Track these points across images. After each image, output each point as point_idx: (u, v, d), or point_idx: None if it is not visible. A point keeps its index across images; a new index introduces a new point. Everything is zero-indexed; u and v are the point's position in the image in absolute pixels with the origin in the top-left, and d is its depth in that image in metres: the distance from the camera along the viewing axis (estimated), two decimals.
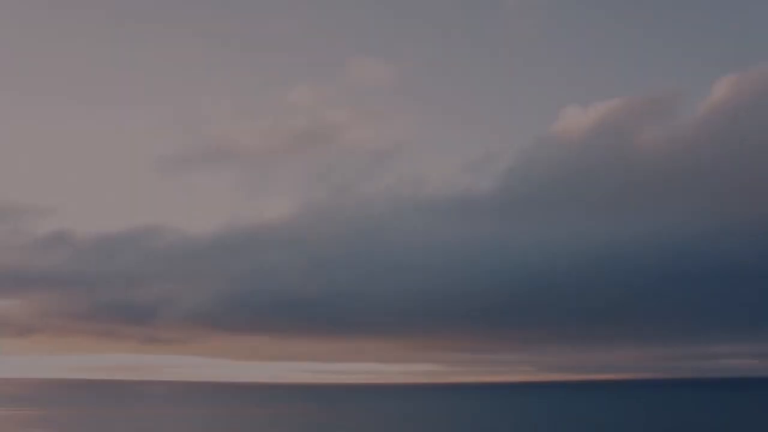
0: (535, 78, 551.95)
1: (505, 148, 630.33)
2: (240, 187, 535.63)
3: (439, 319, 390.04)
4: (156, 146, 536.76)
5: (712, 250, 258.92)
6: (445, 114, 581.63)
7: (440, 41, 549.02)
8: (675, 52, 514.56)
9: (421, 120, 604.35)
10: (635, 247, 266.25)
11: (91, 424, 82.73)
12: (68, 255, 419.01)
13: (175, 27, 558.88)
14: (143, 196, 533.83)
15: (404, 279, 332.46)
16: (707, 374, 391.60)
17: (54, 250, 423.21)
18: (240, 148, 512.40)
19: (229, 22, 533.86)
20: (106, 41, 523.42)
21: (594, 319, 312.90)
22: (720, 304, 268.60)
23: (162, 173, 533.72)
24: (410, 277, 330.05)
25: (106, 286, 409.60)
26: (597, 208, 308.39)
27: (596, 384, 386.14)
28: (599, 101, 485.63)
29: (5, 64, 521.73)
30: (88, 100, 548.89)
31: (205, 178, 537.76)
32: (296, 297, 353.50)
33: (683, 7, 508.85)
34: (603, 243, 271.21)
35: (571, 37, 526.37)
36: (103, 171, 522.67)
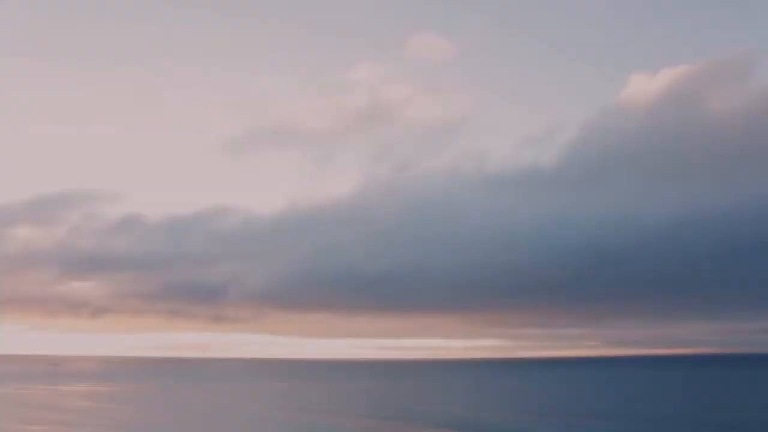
0: (601, 45, 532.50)
1: (569, 120, 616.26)
2: (304, 166, 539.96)
3: (503, 294, 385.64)
4: (222, 128, 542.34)
5: None
6: (507, 87, 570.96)
7: (501, 13, 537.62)
8: (747, 14, 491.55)
9: (482, 95, 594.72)
10: (705, 218, 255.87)
11: (162, 400, 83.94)
12: (139, 238, 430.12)
13: (240, 9, 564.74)
14: (210, 178, 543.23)
15: (468, 254, 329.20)
16: None
17: (126, 233, 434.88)
18: (304, 128, 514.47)
19: (293, 2, 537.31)
20: (170, 24, 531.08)
21: (663, 293, 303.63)
22: None
23: (228, 154, 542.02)
24: (474, 253, 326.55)
25: (175, 267, 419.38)
26: (665, 180, 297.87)
27: (665, 359, 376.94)
28: (668, 67, 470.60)
29: (74, 58, 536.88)
30: (156, 84, 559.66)
31: (270, 159, 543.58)
32: (360, 274, 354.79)
33: None
34: (671, 214, 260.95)
35: (637, 0, 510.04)
36: (171, 155, 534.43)
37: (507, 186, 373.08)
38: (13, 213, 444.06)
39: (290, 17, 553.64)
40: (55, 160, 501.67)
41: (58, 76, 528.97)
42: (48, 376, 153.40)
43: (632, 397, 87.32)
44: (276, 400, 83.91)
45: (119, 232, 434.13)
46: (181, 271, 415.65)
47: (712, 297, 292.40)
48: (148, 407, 72.30)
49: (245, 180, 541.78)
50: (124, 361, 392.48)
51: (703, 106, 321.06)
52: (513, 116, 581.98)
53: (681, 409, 67.37)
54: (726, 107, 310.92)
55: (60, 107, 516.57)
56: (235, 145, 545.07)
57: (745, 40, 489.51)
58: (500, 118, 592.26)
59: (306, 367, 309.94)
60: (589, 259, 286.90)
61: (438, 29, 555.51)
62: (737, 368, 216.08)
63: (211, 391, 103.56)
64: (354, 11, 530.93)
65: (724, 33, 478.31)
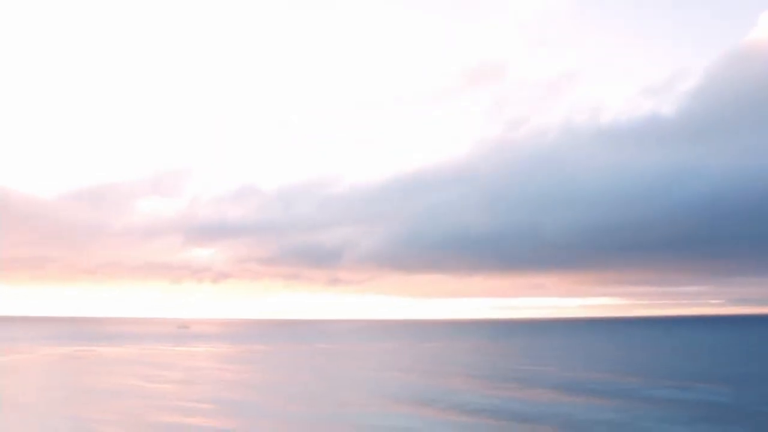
0: None
1: (691, 67, 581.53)
2: (413, 128, 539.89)
3: (619, 251, 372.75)
4: (331, 95, 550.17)
5: None
6: (623, 35, 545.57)
7: None
8: None
9: (596, 44, 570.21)
10: None
11: (280, 360, 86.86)
12: (256, 205, 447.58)
13: None
14: (321, 145, 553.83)
15: (583, 211, 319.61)
16: None
17: (243, 202, 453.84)
18: (411, 89, 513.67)
19: None
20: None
21: None
22: None
23: (338, 120, 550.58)
24: (589, 209, 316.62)
25: (291, 233, 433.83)
26: None
27: None
28: None
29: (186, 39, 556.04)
30: (264, 59, 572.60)
31: (380, 122, 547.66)
32: (472, 233, 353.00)
33: None
34: None
35: None
36: (281, 125, 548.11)
37: (623, 139, 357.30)
38: (137, 186, 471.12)
39: None
40: (175, 135, 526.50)
41: (175, 54, 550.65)
42: (177, 338, 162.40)
43: (756, 360, 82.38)
44: (389, 361, 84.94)
45: (237, 201, 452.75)
46: (296, 236, 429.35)
47: None
48: (267, 367, 74.88)
49: (356, 145, 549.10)
50: (245, 324, 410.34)
51: None
52: (630, 65, 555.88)
53: None
54: None
55: (176, 84, 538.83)
56: (345, 112, 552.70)
57: None
58: (616, 68, 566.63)
59: (419, 327, 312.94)
60: (711, 213, 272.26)
61: None
62: None
63: (327, 352, 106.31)
64: None
65: None
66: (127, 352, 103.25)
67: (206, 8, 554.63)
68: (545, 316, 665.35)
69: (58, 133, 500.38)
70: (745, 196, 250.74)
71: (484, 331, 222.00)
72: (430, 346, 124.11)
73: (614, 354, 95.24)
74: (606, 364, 74.70)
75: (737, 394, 45.12)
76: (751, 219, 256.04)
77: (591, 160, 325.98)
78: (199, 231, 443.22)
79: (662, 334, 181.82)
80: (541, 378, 57.38)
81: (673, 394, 45.31)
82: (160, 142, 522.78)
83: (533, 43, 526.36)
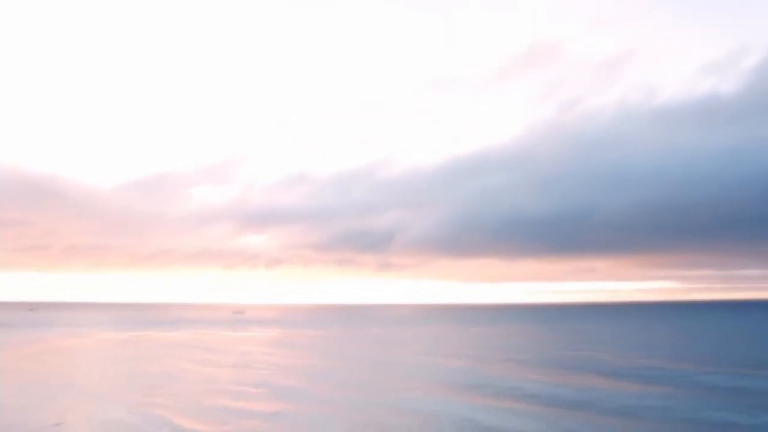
0: None
1: (753, 43, 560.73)
2: (466, 111, 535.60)
3: (676, 234, 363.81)
4: (384, 80, 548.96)
5: None
6: (680, 12, 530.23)
7: None
8: None
9: (652, 22, 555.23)
10: None
11: (332, 345, 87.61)
12: (308, 192, 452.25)
13: None
14: (374, 130, 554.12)
15: (638, 193, 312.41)
16: None
17: (295, 188, 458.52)
18: (465, 72, 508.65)
19: None
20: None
21: None
22: None
23: (391, 105, 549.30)
24: (644, 191, 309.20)
25: (343, 218, 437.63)
26: None
27: None
28: None
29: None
30: (315, 46, 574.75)
31: (434, 106, 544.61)
32: (524, 217, 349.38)
33: None
34: None
35: None
36: (334, 110, 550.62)
37: (681, 119, 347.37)
38: (192, 175, 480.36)
39: None
40: (228, 125, 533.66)
41: (222, 44, 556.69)
42: (232, 323, 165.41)
43: None
44: (438, 345, 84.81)
45: (289, 188, 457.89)
46: (348, 221, 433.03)
47: None
48: (318, 352, 75.55)
49: (409, 129, 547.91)
50: (297, 309, 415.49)
51: None
52: (688, 43, 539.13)
53: None
54: None
55: (229, 74, 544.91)
56: (398, 96, 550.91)
57: None
58: (673, 46, 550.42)
59: (469, 312, 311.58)
60: None
61: None
62: None
63: (377, 337, 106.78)
64: None
65: None
66: (184, 336, 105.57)
67: None
68: (597, 300, 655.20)
69: (116, 125, 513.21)
70: None
71: (534, 316, 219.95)
72: (479, 330, 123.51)
73: (669, 339, 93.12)
74: (661, 349, 73.05)
75: None
76: None
77: (647, 140, 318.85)
78: (252, 218, 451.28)
79: (721, 319, 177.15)
80: (591, 364, 56.46)
81: (731, 382, 43.96)
82: (213, 132, 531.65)
83: (589, 22, 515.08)
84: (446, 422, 29.89)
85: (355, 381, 46.37)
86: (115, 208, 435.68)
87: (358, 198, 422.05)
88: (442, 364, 58.24)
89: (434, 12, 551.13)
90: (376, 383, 44.85)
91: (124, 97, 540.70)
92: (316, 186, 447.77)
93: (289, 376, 48.98)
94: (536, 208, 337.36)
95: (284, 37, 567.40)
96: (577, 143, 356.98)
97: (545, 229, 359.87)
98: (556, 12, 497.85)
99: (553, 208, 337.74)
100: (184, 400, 37.33)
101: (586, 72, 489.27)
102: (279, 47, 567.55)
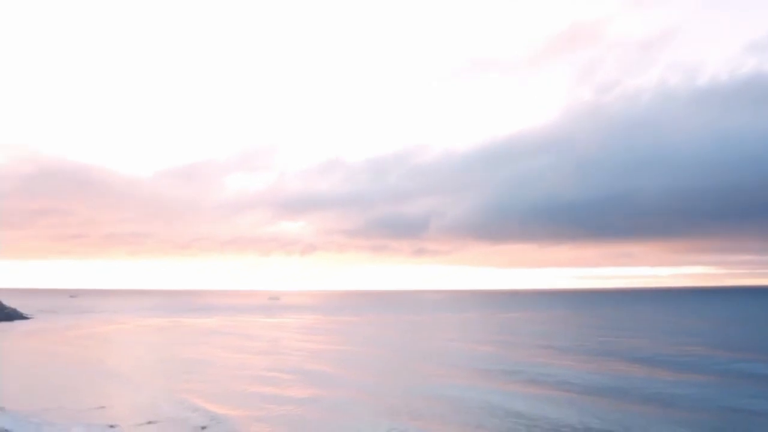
0: None
1: None
2: (502, 95, 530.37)
3: (717, 217, 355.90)
4: (417, 65, 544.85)
5: None
6: None
7: None
8: None
9: (693, 1, 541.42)
10: None
11: (366, 331, 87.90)
12: (343, 178, 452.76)
13: None
14: (407, 115, 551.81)
15: (677, 177, 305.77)
16: None
17: (330, 174, 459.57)
18: (500, 54, 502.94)
19: None
20: None
21: None
22: None
23: (426, 90, 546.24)
24: (684, 175, 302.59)
25: (377, 204, 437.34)
26: None
27: None
28: None
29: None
30: (347, 33, 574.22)
31: (469, 90, 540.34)
32: (560, 202, 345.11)
33: None
34: None
35: None
36: (369, 96, 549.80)
37: (723, 100, 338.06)
38: (228, 163, 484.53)
39: None
40: (262, 112, 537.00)
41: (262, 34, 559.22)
42: (268, 309, 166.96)
43: None
44: (472, 331, 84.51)
45: (323, 174, 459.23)
46: (383, 207, 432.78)
47: None
48: (351, 338, 75.82)
49: (444, 114, 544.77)
50: (332, 295, 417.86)
51: None
52: (730, 21, 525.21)
53: None
54: None
55: (262, 63, 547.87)
56: (432, 81, 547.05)
57: None
58: (715, 25, 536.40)
59: (504, 297, 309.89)
60: None
61: None
62: None
63: (411, 322, 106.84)
64: None
65: None
66: (219, 323, 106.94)
67: None
68: (634, 285, 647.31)
69: (153, 116, 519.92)
70: None
71: (570, 302, 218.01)
72: (513, 316, 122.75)
73: (708, 326, 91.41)
74: (698, 336, 71.74)
75: None
76: None
77: (687, 123, 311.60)
78: (288, 204, 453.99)
79: (762, 305, 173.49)
80: (627, 350, 55.73)
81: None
82: (248, 120, 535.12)
83: (629, 1, 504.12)
84: (478, 409, 29.77)
85: (387, 367, 46.47)
86: (153, 197, 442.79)
87: (392, 184, 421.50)
88: (476, 350, 58.06)
89: None
90: (409, 369, 44.89)
91: (160, 88, 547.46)
92: (350, 172, 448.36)
93: (321, 362, 49.28)
94: (573, 192, 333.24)
95: (319, 22, 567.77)
96: (615, 126, 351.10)
97: (581, 214, 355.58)
98: None
99: (590, 192, 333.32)
100: (217, 385, 37.82)
101: (626, 52, 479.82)
102: (314, 33, 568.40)
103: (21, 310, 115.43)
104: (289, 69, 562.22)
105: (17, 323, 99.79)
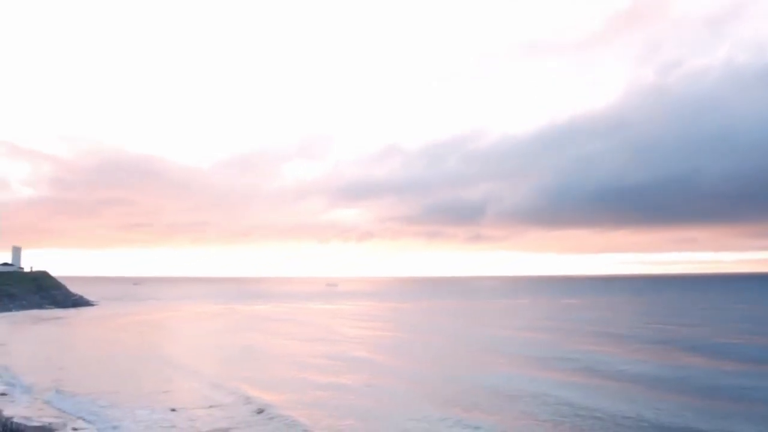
0: None
1: None
2: (562, 78, 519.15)
3: None
4: (474, 49, 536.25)
5: None
6: None
7: None
8: None
9: None
10: None
11: (420, 317, 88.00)
12: (399, 164, 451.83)
13: None
14: (463, 100, 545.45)
15: (744, 159, 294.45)
16: None
17: (386, 161, 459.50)
18: (559, 35, 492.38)
19: None
20: None
21: None
22: None
23: (483, 74, 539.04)
24: (751, 157, 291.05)
25: (433, 190, 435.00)
26: None
27: None
28: None
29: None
30: (402, 20, 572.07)
31: (527, 73, 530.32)
32: (621, 186, 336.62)
33: None
34: None
35: None
36: (424, 82, 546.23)
37: None
38: (285, 151, 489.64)
39: None
40: (318, 100, 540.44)
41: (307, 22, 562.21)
42: (325, 296, 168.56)
43: None
44: (526, 318, 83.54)
45: (380, 161, 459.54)
46: (439, 193, 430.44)
47: None
48: (405, 325, 76.03)
49: (502, 98, 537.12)
50: (388, 282, 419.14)
51: None
52: None
53: None
54: None
55: (317, 52, 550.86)
56: (490, 64, 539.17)
57: None
58: None
59: (561, 283, 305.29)
60: None
61: None
62: None
63: (466, 309, 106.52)
64: None
65: None
66: (277, 309, 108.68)
67: None
68: (697, 271, 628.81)
69: (212, 107, 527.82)
70: None
71: (629, 288, 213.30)
72: (570, 303, 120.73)
73: None
74: (764, 325, 69.30)
75: None
76: None
77: (755, 103, 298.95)
78: (344, 192, 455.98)
79: None
80: (687, 339, 54.07)
81: None
82: (305, 108, 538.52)
83: None
84: (531, 399, 29.42)
85: (439, 355, 46.44)
86: (213, 186, 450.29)
87: (449, 169, 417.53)
88: (530, 337, 57.42)
89: None
90: (461, 357, 44.76)
91: (218, 80, 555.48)
92: (406, 158, 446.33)
93: (375, 350, 49.54)
94: (633, 176, 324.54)
95: (374, 9, 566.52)
96: (679, 107, 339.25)
97: (643, 198, 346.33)
98: None
99: (651, 175, 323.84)
100: (269, 372, 38.50)
101: (690, 30, 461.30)
102: (368, 20, 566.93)
103: (87, 297, 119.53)
104: (345, 57, 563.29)
105: (83, 309, 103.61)
